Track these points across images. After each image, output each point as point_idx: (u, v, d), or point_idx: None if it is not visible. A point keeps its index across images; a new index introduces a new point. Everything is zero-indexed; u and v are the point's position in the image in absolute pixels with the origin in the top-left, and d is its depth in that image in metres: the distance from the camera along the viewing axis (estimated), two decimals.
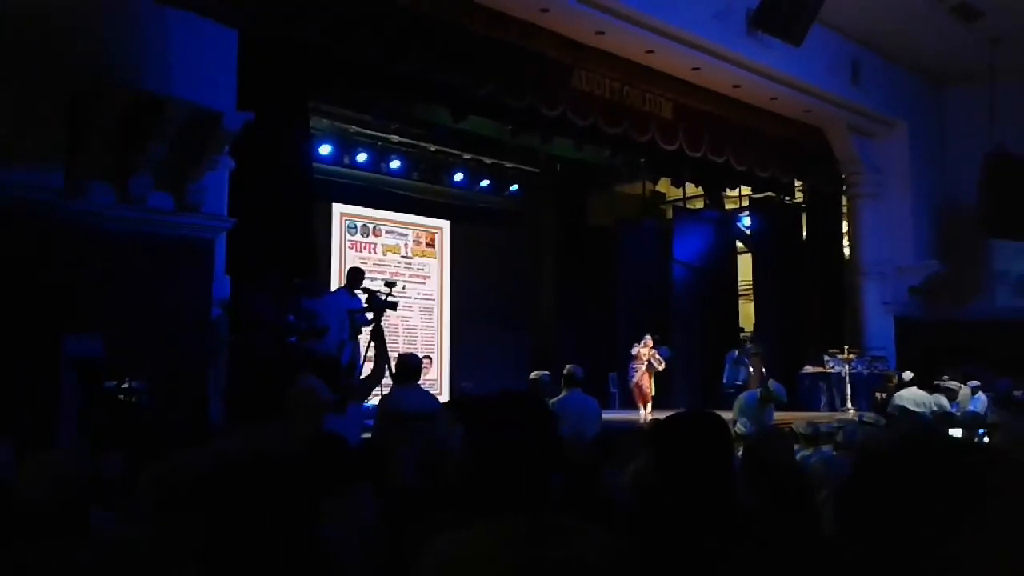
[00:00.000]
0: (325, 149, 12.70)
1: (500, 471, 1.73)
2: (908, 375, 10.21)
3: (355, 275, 8.95)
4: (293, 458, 3.09)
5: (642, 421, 11.22)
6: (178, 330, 7.15)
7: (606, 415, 7.86)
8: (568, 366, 6.69)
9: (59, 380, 5.79)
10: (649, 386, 12.52)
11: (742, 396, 8.19)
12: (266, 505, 2.18)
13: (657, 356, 12.57)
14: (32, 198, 6.46)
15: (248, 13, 7.90)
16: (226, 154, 7.89)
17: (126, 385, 6.11)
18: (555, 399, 6.34)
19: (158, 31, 7.49)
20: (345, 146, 13.13)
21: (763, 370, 9.56)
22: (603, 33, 10.57)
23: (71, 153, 6.92)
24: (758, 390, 8.22)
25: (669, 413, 2.17)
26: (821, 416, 10.75)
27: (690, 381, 14.24)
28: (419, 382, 5.79)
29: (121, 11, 7.31)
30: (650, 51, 11.11)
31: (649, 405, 12.30)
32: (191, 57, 7.61)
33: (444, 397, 8.56)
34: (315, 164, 11.24)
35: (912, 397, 9.48)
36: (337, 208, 13.44)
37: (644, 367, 12.49)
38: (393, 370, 6.97)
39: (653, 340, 12.68)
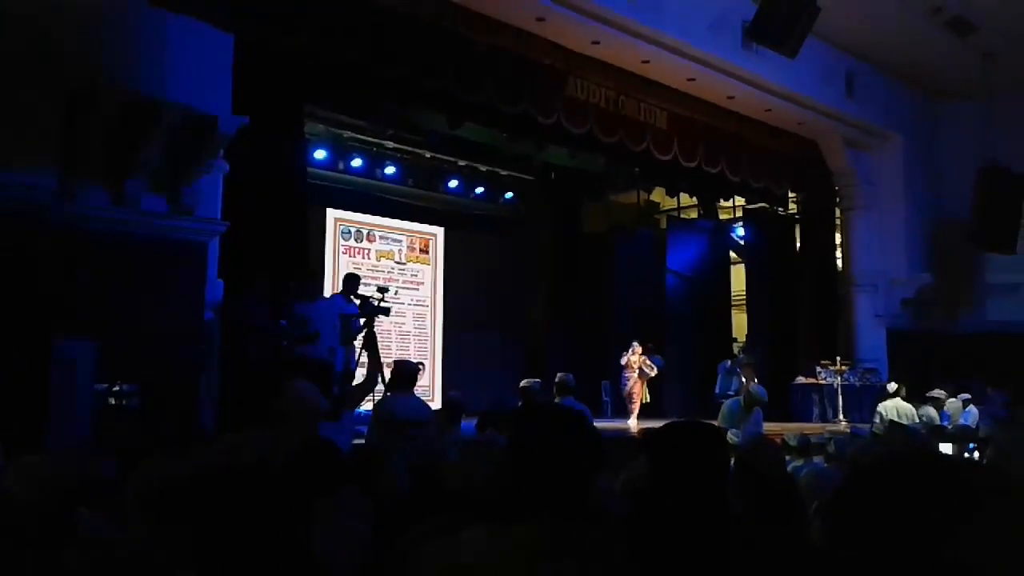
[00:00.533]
0: (320, 154, 12.70)
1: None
2: (892, 387, 10.21)
3: (351, 281, 8.93)
4: (284, 464, 3.08)
5: (632, 429, 11.22)
6: (170, 334, 7.12)
7: (598, 423, 7.85)
8: (559, 374, 6.69)
9: (48, 382, 5.76)
10: (641, 394, 12.52)
11: (726, 403, 8.21)
12: (256, 511, 2.17)
13: (648, 362, 12.56)
14: (25, 199, 6.44)
15: (244, 17, 7.90)
16: (220, 158, 7.89)
17: (117, 388, 6.08)
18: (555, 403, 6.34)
19: (154, 34, 7.49)
20: (340, 151, 13.14)
21: (755, 380, 9.57)
22: (599, 43, 10.60)
23: (65, 155, 6.90)
24: (741, 397, 8.25)
25: (660, 422, 2.17)
26: (813, 427, 10.77)
27: (682, 390, 14.25)
28: (415, 389, 5.79)
29: (117, 14, 7.30)
30: (645, 61, 11.15)
31: (635, 415, 12.29)
32: (187, 60, 7.60)
33: (436, 404, 8.56)
34: (310, 169, 11.24)
35: (895, 408, 9.48)
36: (331, 213, 13.44)
37: (636, 374, 12.49)
38: (386, 377, 6.96)
39: (644, 348, 12.68)
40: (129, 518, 2.66)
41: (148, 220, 7.35)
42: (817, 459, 5.46)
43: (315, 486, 2.89)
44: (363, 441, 6.01)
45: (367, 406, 7.71)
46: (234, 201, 8.07)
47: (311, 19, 8.34)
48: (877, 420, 9.55)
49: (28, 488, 2.35)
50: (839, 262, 15.24)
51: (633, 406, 12.39)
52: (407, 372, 5.74)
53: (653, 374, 12.62)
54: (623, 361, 12.60)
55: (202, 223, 7.68)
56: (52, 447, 5.34)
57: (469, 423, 6.37)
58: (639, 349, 12.61)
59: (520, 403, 6.58)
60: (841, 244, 15.19)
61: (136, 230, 7.29)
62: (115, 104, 7.15)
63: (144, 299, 7.11)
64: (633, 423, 11.96)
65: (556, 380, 6.65)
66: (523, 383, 6.64)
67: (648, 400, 12.64)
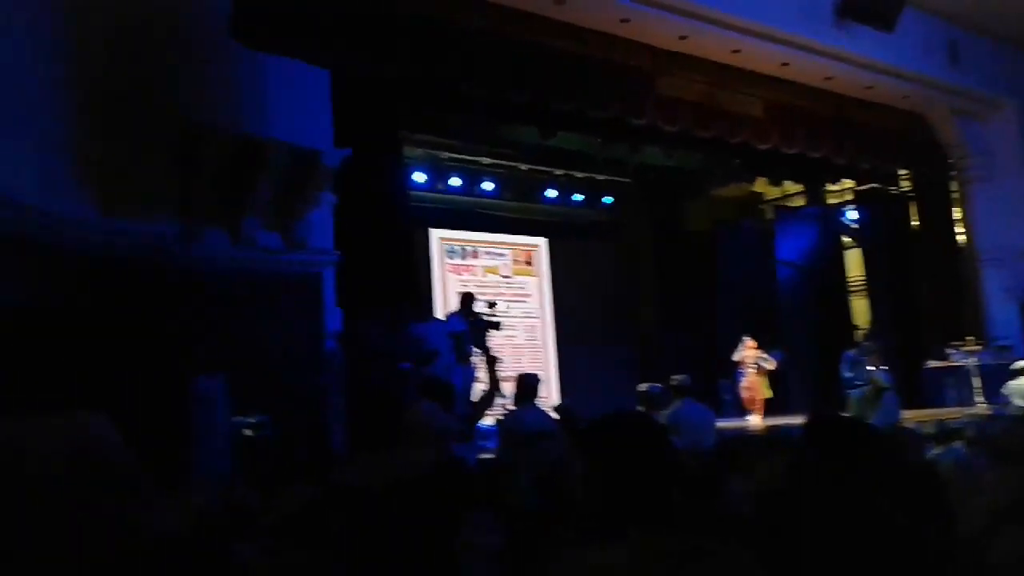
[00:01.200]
0: (420, 177, 12.93)
1: (620, 492, 1.73)
2: (1019, 364, 9.58)
3: (467, 299, 9.07)
4: (419, 484, 3.15)
5: (756, 427, 10.98)
6: (295, 364, 7.39)
7: (720, 423, 7.73)
8: (676, 377, 6.61)
9: (190, 419, 6.06)
10: (761, 390, 12.21)
11: (854, 393, 7.99)
12: (397, 530, 2.23)
13: (764, 356, 12.27)
14: (151, 245, 6.81)
15: (338, 53, 8.15)
16: (327, 190, 8.15)
17: (251, 420, 6.33)
18: (668, 410, 6.27)
19: (255, 77, 7.83)
20: (438, 172, 13.35)
21: (881, 367, 9.21)
22: (686, 37, 10.46)
23: (183, 200, 7.27)
24: (868, 387, 8.01)
25: (784, 419, 2.13)
26: (950, 412, 10.30)
27: (804, 383, 13.81)
28: (535, 401, 5.83)
29: (219, 60, 7.66)
30: (736, 51, 10.94)
31: (760, 411, 11.99)
32: (288, 99, 7.92)
33: (551, 415, 8.54)
34: (411, 192, 11.48)
35: (1020, 390, 8.94)
36: (435, 233, 13.65)
37: (752, 371, 12.22)
38: (502, 391, 7.04)
39: (758, 343, 12.40)
40: (274, 546, 2.76)
41: (264, 256, 7.66)
42: (957, 444, 5.23)
43: (451, 504, 2.94)
44: (489, 456, 6.07)
45: (489, 421, 7.81)
46: (345, 230, 8.32)
47: (400, 47, 8.52)
48: (1005, 402, 9.06)
49: (182, 522, 2.46)
50: (960, 237, 14.54)
51: (753, 403, 12.11)
52: (529, 385, 5.79)
53: (771, 368, 12.31)
54: (736, 358, 12.36)
55: (316, 255, 7.96)
56: (196, 481, 5.59)
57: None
58: (751, 344, 12.35)
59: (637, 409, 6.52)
60: (962, 218, 14.49)
61: (254, 267, 7.61)
62: (224, 148, 7.49)
63: (267, 332, 7.41)
64: (756, 420, 11.70)
65: (672, 383, 6.57)
66: (641, 387, 6.58)
67: (770, 395, 12.31)
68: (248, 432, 6.24)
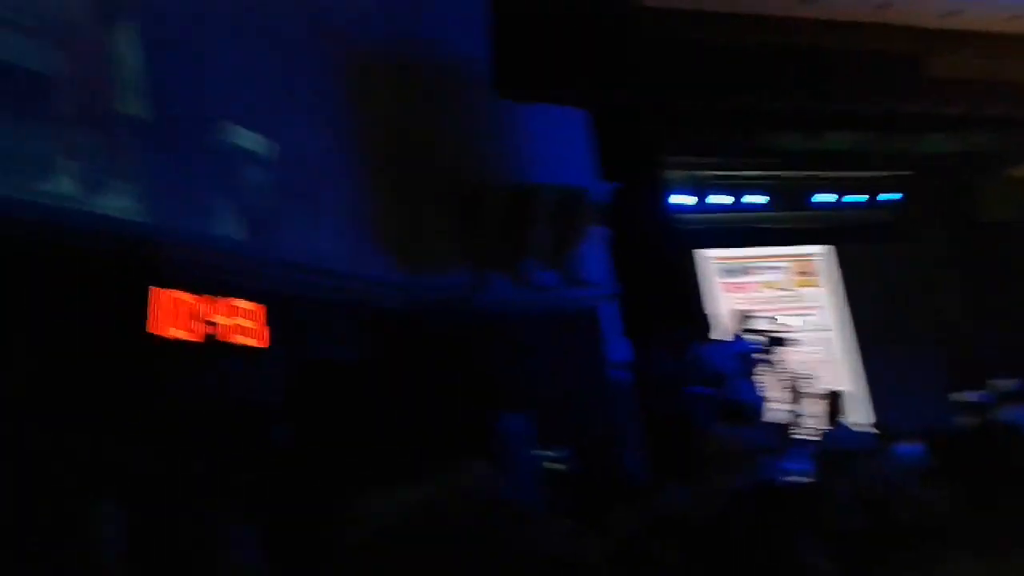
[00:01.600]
0: (685, 199, 12.81)
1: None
2: None
3: (742, 318, 8.92)
4: (740, 507, 3.13)
5: None
6: (586, 396, 7.60)
7: None
8: (1001, 381, 6.05)
9: (499, 455, 6.39)
10: None
11: None
12: (726, 556, 2.24)
13: None
14: (451, 297, 7.37)
15: (593, 91, 8.41)
16: (598, 224, 8.36)
17: (554, 453, 6.57)
18: (1000, 418, 5.73)
19: (519, 126, 8.26)
20: (703, 191, 13.16)
21: None
22: (958, 13, 9.65)
23: (468, 251, 7.80)
24: None
25: None
26: None
27: None
28: (843, 418, 5.59)
29: (485, 118, 8.18)
30: (1015, 16, 9.92)
31: None
32: (551, 143, 8.26)
33: (864, 431, 8.05)
34: (678, 215, 11.43)
35: None
36: (707, 254, 13.41)
37: None
38: (801, 409, 6.82)
39: None
40: None
41: (547, 296, 7.98)
42: None
43: (774, 526, 2.88)
44: (802, 477, 5.87)
45: (796, 440, 7.58)
46: (619, 262, 8.48)
47: (652, 74, 8.63)
48: None
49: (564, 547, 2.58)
50: None
51: None
52: (835, 402, 5.56)
53: None
54: None
55: (593, 288, 8.18)
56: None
57: (906, 447, 5.95)
58: None
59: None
60: None
61: (536, 306, 7.96)
62: (500, 199, 7.95)
63: (555, 367, 7.68)
64: None
65: (998, 388, 6.01)
66: (961, 396, 6.09)
67: None
68: (552, 465, 6.46)
